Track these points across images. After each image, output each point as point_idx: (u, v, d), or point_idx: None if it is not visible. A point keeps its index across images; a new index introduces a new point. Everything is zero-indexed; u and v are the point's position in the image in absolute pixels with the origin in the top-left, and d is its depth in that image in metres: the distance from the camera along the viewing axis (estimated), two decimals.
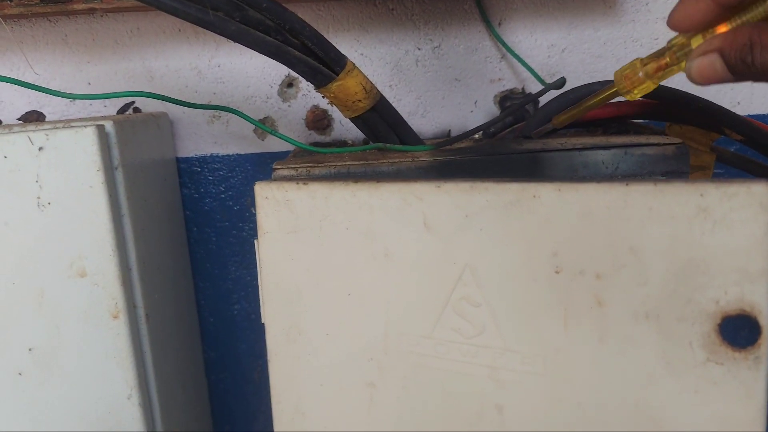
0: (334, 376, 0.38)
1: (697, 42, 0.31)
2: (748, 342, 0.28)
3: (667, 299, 0.28)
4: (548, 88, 0.47)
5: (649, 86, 0.34)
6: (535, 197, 0.30)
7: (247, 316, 0.59)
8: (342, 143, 0.56)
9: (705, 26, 0.29)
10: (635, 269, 0.29)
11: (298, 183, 0.37)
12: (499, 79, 0.56)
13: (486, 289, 0.32)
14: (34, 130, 0.36)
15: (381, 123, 0.45)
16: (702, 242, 0.28)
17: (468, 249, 0.32)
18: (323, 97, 0.43)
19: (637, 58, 0.34)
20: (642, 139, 0.42)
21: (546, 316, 0.31)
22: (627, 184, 0.28)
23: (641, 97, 0.37)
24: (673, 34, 0.32)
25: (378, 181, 0.35)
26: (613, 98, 0.37)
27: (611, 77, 0.36)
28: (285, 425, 0.40)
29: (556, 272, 0.30)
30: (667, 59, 0.32)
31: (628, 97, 0.35)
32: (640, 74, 0.34)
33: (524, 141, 0.45)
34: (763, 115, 0.59)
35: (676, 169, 0.42)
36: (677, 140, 0.42)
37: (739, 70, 0.28)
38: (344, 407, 0.38)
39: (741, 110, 0.59)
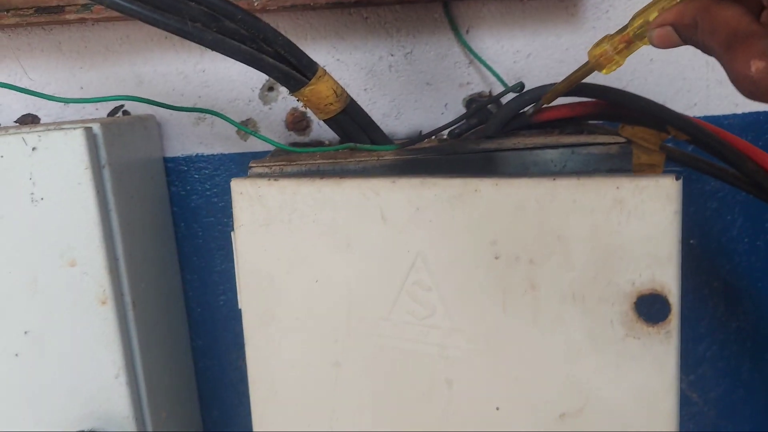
0: (304, 356, 0.41)
1: (653, 17, 0.34)
2: (660, 318, 0.31)
3: (590, 282, 0.32)
4: (507, 90, 0.51)
5: (618, 61, 0.38)
6: (476, 191, 0.34)
7: (232, 306, 0.63)
8: (319, 143, 0.59)
9: None
10: (562, 255, 0.32)
11: (269, 179, 0.40)
12: (468, 83, 0.59)
13: (436, 274, 0.36)
14: (28, 132, 0.40)
15: (352, 124, 0.49)
16: (619, 230, 0.31)
17: (420, 238, 0.36)
18: (298, 100, 0.47)
19: (606, 35, 0.38)
20: (590, 139, 0.45)
21: (487, 299, 0.34)
22: (554, 179, 0.32)
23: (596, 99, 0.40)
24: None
25: (341, 177, 0.38)
26: (589, 74, 0.40)
27: None
28: (260, 401, 0.43)
29: (496, 258, 0.34)
30: (630, 34, 0.36)
31: (602, 72, 0.38)
32: (609, 50, 0.37)
33: (483, 141, 0.48)
34: (719, 116, 0.62)
35: (619, 167, 0.45)
36: (621, 140, 0.45)
37: (690, 43, 0.31)
38: (313, 385, 0.41)
39: (697, 111, 0.62)
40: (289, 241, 0.40)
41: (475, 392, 0.36)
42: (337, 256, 0.39)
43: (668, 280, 0.30)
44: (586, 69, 0.40)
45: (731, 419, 0.68)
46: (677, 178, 0.30)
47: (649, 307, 0.31)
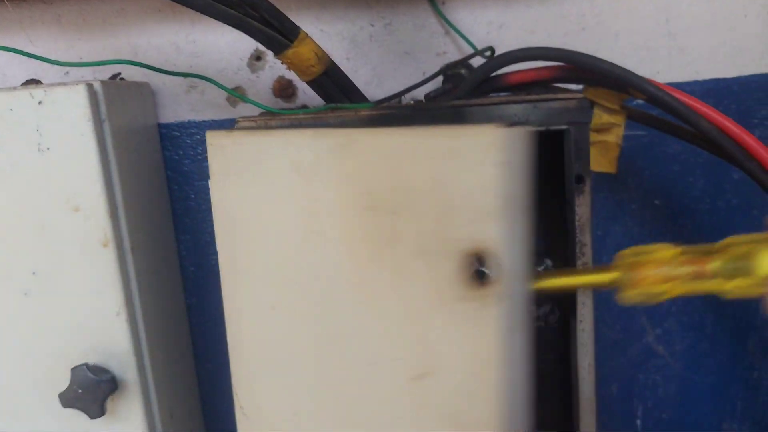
0: (255, 299, 0.42)
1: (766, 259, 0.22)
2: (486, 280, 0.30)
3: (432, 237, 0.31)
4: (476, 53, 0.55)
5: (670, 291, 0.25)
6: (356, 141, 0.34)
7: None
8: (305, 107, 0.63)
9: None
10: (413, 208, 0.32)
11: (238, 131, 0.43)
12: (444, 53, 0.63)
13: (325, 223, 0.36)
14: (35, 88, 0.44)
15: (333, 87, 0.53)
16: (453, 182, 0.30)
17: (317, 187, 0.36)
18: (282, 63, 0.51)
19: (666, 247, 0.25)
20: (551, 96, 0.50)
21: (363, 249, 0.34)
22: (404, 129, 0.32)
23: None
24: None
25: (287, 129, 0.40)
26: (605, 287, 0.31)
27: None
28: (234, 329, 0.45)
29: (370, 209, 0.33)
30: (714, 265, 0.22)
31: (626, 295, 0.27)
32: (663, 270, 0.24)
33: (455, 101, 0.52)
34: (681, 83, 0.66)
35: (578, 119, 0.49)
36: (580, 95, 0.50)
37: None
38: (261, 326, 0.42)
39: (660, 79, 0.65)
40: (253, 189, 0.40)
41: (350, 349, 0.36)
42: (279, 206, 0.39)
43: (493, 236, 0.28)
44: (605, 279, 0.29)
45: (696, 371, 0.73)
46: (508, 126, 0.28)
47: (479, 267, 0.30)
